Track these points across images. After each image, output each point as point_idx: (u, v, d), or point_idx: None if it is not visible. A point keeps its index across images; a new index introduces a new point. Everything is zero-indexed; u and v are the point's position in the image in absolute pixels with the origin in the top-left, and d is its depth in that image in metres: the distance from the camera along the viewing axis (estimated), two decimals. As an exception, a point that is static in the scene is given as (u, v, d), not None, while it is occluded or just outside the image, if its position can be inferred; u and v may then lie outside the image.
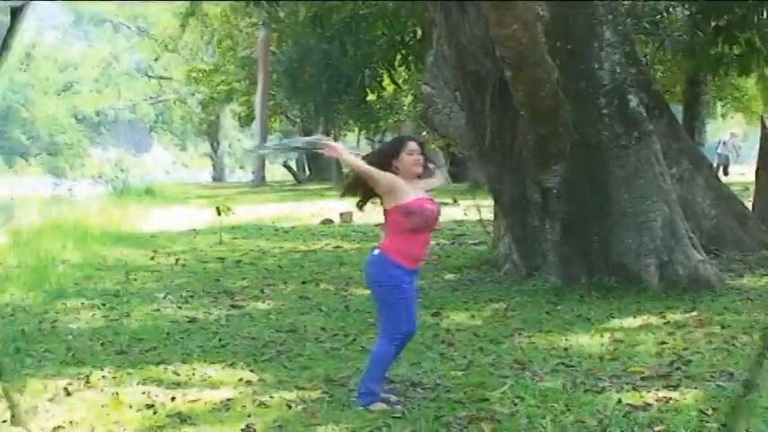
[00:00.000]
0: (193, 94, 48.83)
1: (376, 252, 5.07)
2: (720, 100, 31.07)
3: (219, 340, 7.09)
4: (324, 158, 35.43)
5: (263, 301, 8.97)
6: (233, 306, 8.67)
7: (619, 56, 9.10)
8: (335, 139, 36.84)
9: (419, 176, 5.11)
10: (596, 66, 9.02)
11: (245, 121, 44.16)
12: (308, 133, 37.23)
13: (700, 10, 13.04)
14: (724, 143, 27.89)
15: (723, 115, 37.05)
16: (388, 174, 4.98)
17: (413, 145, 5.07)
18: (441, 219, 5.46)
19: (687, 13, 15.56)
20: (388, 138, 41.46)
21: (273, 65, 34.19)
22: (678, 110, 21.59)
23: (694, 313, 7.57)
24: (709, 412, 4.81)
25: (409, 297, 5.03)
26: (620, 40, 9.19)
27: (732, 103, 31.58)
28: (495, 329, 7.26)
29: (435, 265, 10.85)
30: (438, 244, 12.84)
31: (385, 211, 5.07)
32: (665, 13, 15.36)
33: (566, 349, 6.49)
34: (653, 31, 14.73)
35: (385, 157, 5.09)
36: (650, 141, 9.05)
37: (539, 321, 7.52)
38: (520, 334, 7.04)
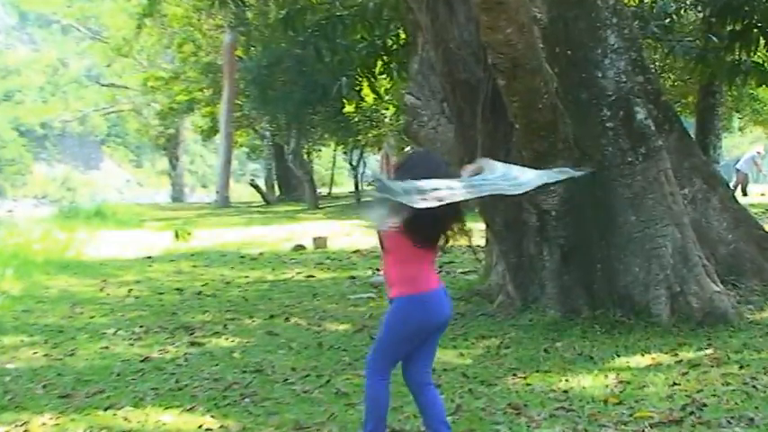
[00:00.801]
0: (150, 104, 48.82)
1: None
2: (737, 112, 31.39)
3: (177, 382, 7.04)
4: (296, 177, 35.63)
5: (226, 338, 8.92)
6: (192, 343, 8.61)
7: (624, 63, 9.14)
8: (309, 155, 36.61)
9: None
10: (599, 74, 9.06)
11: (208, 134, 44.19)
12: (278, 149, 37.27)
13: (714, 13, 13.15)
14: (746, 160, 27.92)
15: (741, 129, 37.43)
16: None
17: None
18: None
19: (700, 16, 15.70)
20: (368, 154, 41.54)
21: (240, 72, 34.23)
22: (690, 123, 21.77)
23: (709, 351, 7.57)
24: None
25: None
26: (626, 45, 9.24)
27: (750, 116, 31.88)
28: (486, 369, 7.24)
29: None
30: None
31: None
32: (675, 17, 15.45)
33: (565, 392, 6.47)
34: (662, 35, 14.79)
35: None
36: (659, 158, 9.08)
37: (536, 360, 7.50)
38: (514, 375, 7.02)
